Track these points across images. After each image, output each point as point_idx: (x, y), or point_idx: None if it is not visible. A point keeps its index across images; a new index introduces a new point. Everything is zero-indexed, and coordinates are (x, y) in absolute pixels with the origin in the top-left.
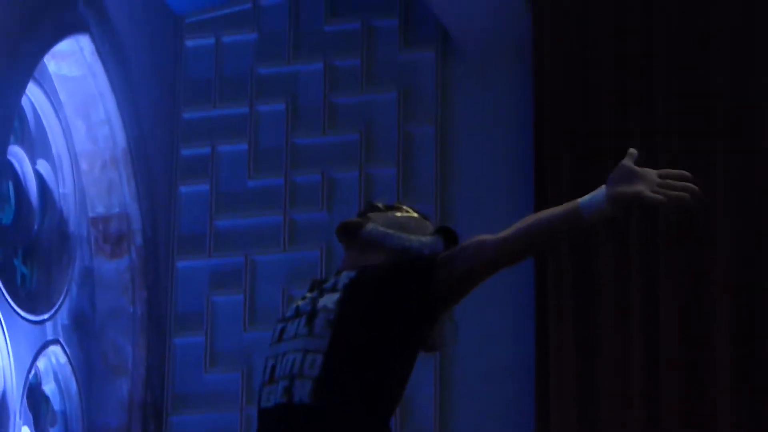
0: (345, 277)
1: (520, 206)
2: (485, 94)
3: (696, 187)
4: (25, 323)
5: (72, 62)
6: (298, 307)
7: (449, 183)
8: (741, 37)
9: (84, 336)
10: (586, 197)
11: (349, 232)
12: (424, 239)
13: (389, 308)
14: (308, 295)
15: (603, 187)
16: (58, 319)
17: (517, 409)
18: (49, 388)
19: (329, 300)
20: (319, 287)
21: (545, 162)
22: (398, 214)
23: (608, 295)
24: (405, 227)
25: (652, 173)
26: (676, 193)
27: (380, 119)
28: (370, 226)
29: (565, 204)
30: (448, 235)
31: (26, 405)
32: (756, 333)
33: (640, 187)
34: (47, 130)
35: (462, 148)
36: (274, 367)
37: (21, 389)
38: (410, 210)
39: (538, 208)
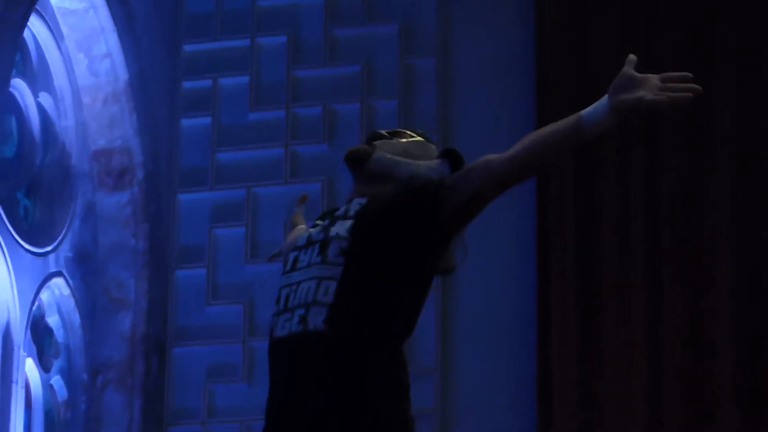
0: (356, 204)
1: (520, 137)
2: (486, 26)
3: (698, 86)
4: (29, 255)
5: None
6: (310, 236)
7: (450, 115)
8: None
9: (87, 269)
10: (589, 108)
11: (358, 161)
12: (431, 164)
13: (401, 234)
14: (319, 223)
15: (605, 97)
16: (60, 252)
17: (519, 342)
18: (52, 320)
19: (341, 227)
20: (330, 215)
21: (547, 91)
22: (403, 140)
23: (610, 219)
24: (410, 153)
25: (653, 78)
26: (679, 94)
27: (381, 52)
28: (377, 154)
29: (569, 117)
30: (453, 157)
31: (30, 337)
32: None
33: (641, 93)
34: (49, 63)
35: (463, 80)
36: (288, 297)
37: (25, 321)
38: (413, 134)
39: None
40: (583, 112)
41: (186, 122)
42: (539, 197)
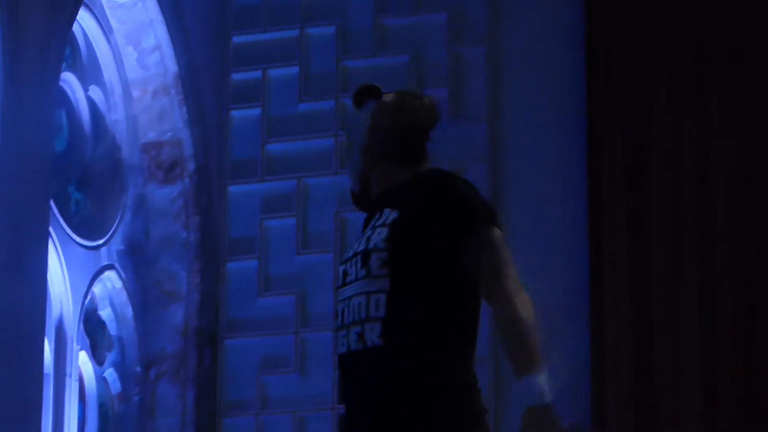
0: (389, 213)
1: (571, 125)
2: (535, 13)
3: None
4: (80, 249)
5: None
6: (355, 248)
7: (500, 103)
8: None
9: (138, 262)
10: (530, 389)
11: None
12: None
13: (434, 244)
14: (364, 233)
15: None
16: (112, 245)
17: (571, 329)
18: (105, 313)
19: (378, 237)
20: (371, 222)
21: (597, 80)
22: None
23: (662, 201)
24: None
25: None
26: None
27: (430, 40)
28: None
29: (528, 361)
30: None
31: (83, 330)
32: None
33: None
34: (98, 57)
35: (512, 68)
36: (343, 312)
37: (77, 315)
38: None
39: (590, 126)
40: (522, 380)
41: (236, 113)
42: (590, 179)
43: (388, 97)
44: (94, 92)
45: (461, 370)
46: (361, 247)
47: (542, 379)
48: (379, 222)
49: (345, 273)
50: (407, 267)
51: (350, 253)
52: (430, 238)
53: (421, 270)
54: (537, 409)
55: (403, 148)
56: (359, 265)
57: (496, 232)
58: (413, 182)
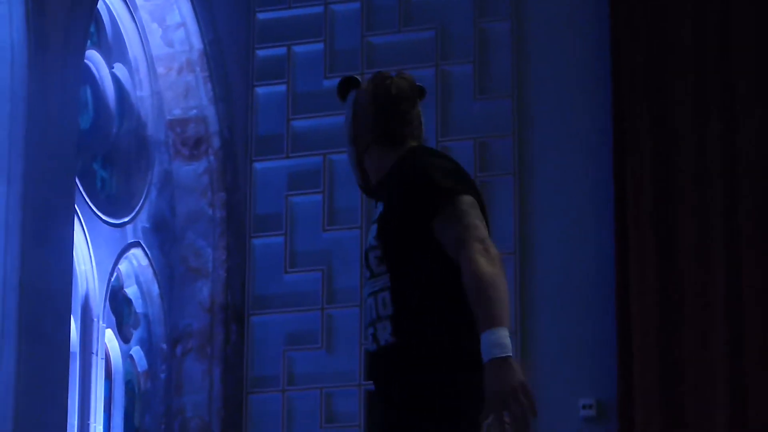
0: (380, 207)
1: (595, 99)
2: None
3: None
4: (106, 227)
5: None
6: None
7: (525, 78)
8: None
9: (164, 239)
10: (487, 345)
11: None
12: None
13: (418, 231)
14: None
15: (489, 364)
16: (138, 222)
17: (598, 305)
18: (131, 290)
19: (371, 236)
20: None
21: (622, 53)
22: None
23: (686, 184)
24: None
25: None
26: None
27: (455, 16)
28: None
29: (503, 317)
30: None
31: (109, 308)
32: None
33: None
34: (123, 34)
35: (537, 44)
36: (364, 314)
37: (103, 293)
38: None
39: (615, 100)
40: (488, 340)
41: (260, 90)
42: (616, 152)
43: (365, 84)
44: (119, 69)
45: (469, 345)
46: (365, 247)
47: (501, 333)
48: (374, 219)
49: (362, 272)
50: (400, 259)
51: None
52: (410, 226)
53: (413, 259)
54: (497, 362)
55: (384, 130)
56: (365, 265)
57: (461, 201)
58: (395, 168)
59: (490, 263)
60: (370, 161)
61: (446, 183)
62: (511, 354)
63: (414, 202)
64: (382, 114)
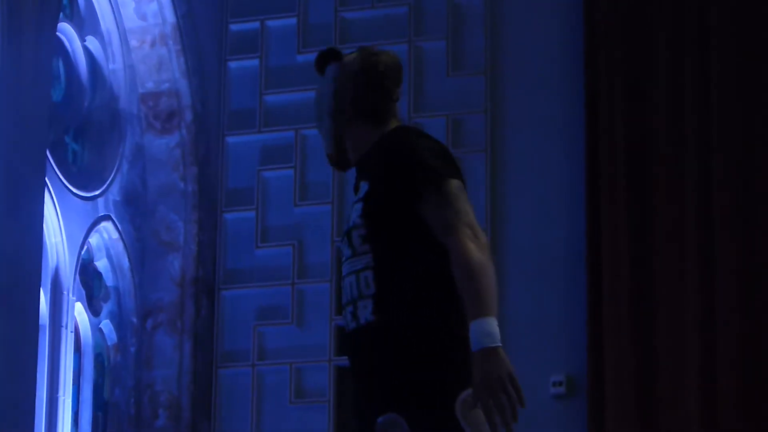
0: (364, 186)
1: (569, 76)
2: None
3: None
4: (77, 199)
5: None
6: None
7: (499, 55)
8: None
9: (135, 213)
10: (476, 334)
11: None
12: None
13: (404, 211)
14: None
15: (477, 353)
16: (109, 195)
17: (569, 282)
18: (101, 264)
19: (356, 214)
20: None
21: (595, 30)
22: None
23: (661, 157)
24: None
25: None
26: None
27: None
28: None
29: (491, 307)
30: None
31: (79, 281)
32: None
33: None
34: (96, 6)
35: (512, 20)
36: (342, 292)
37: (73, 265)
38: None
39: (588, 76)
40: (476, 327)
41: (233, 65)
42: (588, 130)
43: (349, 58)
44: (92, 42)
45: (452, 325)
46: (347, 226)
47: (491, 322)
48: (357, 197)
49: (340, 252)
50: (385, 239)
51: (343, 233)
52: (396, 206)
53: (398, 239)
54: (486, 351)
55: (369, 106)
56: (346, 244)
57: (450, 185)
58: (378, 146)
59: (479, 250)
60: (350, 136)
61: (435, 164)
62: (500, 344)
63: (402, 182)
64: (367, 89)
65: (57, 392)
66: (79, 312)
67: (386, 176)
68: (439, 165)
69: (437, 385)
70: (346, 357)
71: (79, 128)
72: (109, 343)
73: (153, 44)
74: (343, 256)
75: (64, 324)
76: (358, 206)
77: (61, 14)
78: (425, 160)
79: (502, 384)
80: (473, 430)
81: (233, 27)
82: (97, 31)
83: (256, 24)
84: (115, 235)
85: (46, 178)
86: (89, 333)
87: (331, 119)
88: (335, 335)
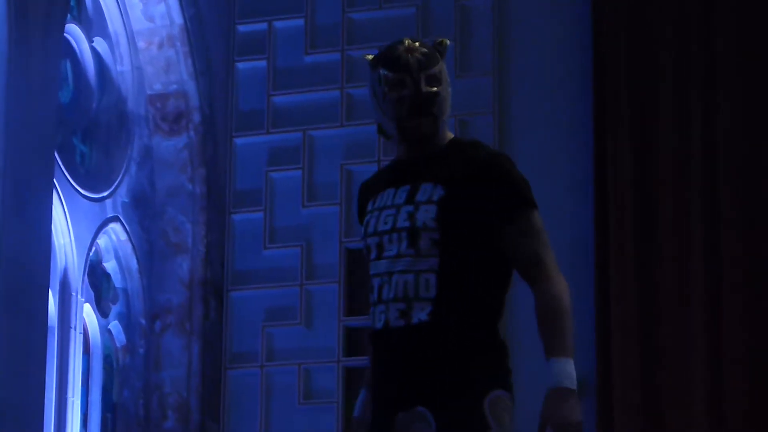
0: (431, 188)
1: (576, 77)
2: None
3: None
4: (85, 201)
5: None
6: (395, 221)
7: (505, 56)
8: None
9: (144, 214)
10: (559, 373)
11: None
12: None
13: (486, 225)
14: (393, 202)
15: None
16: (117, 197)
17: (577, 285)
18: (110, 265)
19: (426, 215)
20: (410, 196)
21: (603, 32)
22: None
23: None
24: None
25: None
26: None
27: None
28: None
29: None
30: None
31: (88, 283)
32: None
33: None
34: (104, 8)
35: (519, 21)
36: (381, 288)
37: (82, 267)
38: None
39: (596, 78)
40: (554, 366)
41: (241, 66)
42: (596, 131)
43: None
44: (99, 44)
45: (495, 332)
46: (405, 224)
47: (572, 365)
48: (422, 197)
49: (381, 246)
50: (458, 247)
51: (387, 226)
52: (479, 218)
53: (471, 249)
54: (561, 391)
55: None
56: (404, 243)
57: (537, 215)
58: (454, 153)
59: (566, 291)
60: (440, 131)
61: (528, 192)
62: (576, 389)
63: (495, 203)
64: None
65: (66, 394)
66: (87, 313)
67: (475, 187)
68: (531, 194)
69: (469, 384)
70: (375, 352)
71: (87, 130)
72: (117, 345)
73: (161, 46)
74: (388, 251)
75: (72, 325)
76: (430, 208)
77: (69, 16)
78: (521, 185)
79: (578, 428)
80: (498, 425)
81: (241, 28)
82: (104, 33)
83: (264, 25)
84: (124, 236)
85: (55, 180)
86: (98, 334)
87: (436, 120)
88: (344, 336)
